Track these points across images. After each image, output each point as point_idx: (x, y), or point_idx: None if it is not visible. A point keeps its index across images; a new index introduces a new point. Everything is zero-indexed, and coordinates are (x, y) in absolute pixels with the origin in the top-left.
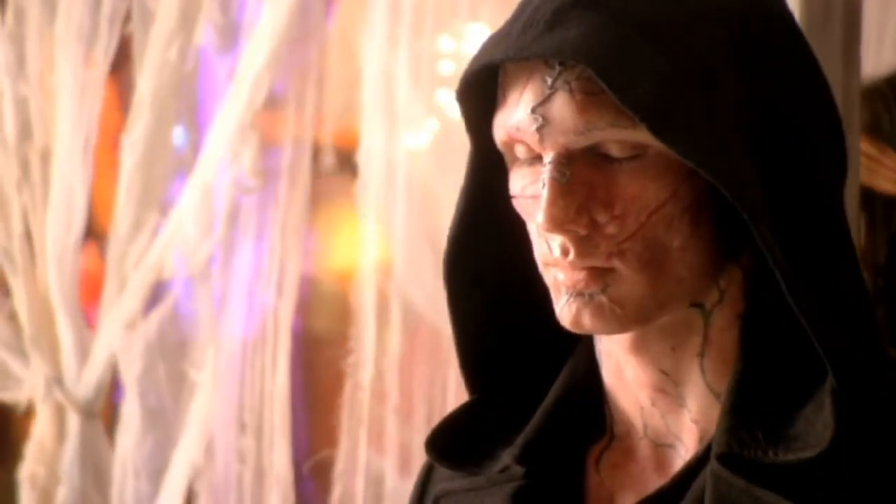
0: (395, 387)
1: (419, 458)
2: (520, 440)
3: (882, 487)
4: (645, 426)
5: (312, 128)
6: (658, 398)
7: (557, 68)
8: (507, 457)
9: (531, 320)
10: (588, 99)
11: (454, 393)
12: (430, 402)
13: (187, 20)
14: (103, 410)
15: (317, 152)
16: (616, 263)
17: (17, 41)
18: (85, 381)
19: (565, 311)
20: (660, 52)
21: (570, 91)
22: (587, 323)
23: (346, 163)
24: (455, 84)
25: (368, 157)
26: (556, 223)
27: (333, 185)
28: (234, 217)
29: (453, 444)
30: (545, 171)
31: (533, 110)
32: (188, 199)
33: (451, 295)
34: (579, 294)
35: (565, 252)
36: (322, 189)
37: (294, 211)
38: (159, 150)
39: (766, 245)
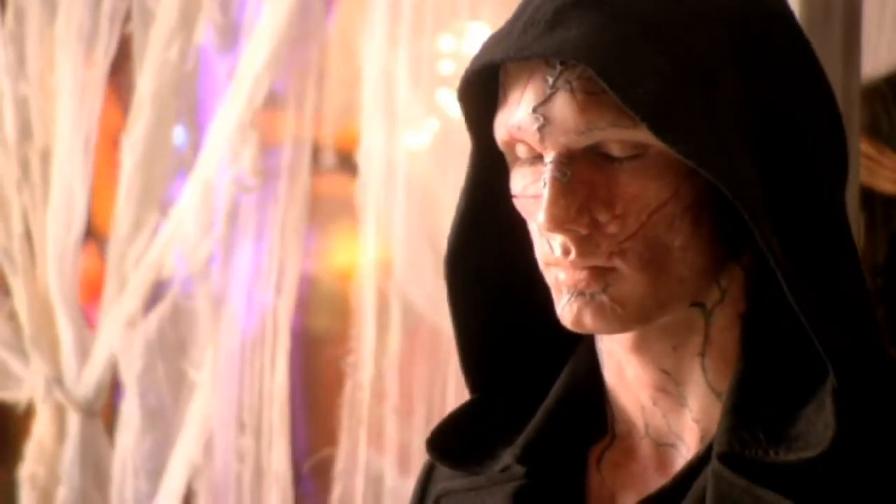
0: (394, 386)
1: (419, 457)
2: (521, 440)
3: (883, 487)
4: (646, 426)
5: (312, 127)
6: (659, 398)
7: (558, 68)
8: (507, 456)
9: (532, 320)
10: (589, 98)
11: (454, 392)
12: (430, 401)
13: (187, 20)
14: (103, 410)
15: (317, 152)
16: (617, 263)
17: (18, 41)
18: (85, 381)
19: (566, 310)
20: (660, 51)
21: (572, 91)
22: (588, 322)
23: (346, 162)
24: (455, 83)
25: (368, 157)
26: (558, 223)
27: (333, 184)
28: (233, 216)
29: (454, 443)
30: (546, 171)
31: (534, 110)
32: (188, 198)
33: (452, 294)
34: (580, 293)
35: (566, 252)
36: (322, 188)
37: (294, 210)
38: (159, 150)
39: (767, 245)
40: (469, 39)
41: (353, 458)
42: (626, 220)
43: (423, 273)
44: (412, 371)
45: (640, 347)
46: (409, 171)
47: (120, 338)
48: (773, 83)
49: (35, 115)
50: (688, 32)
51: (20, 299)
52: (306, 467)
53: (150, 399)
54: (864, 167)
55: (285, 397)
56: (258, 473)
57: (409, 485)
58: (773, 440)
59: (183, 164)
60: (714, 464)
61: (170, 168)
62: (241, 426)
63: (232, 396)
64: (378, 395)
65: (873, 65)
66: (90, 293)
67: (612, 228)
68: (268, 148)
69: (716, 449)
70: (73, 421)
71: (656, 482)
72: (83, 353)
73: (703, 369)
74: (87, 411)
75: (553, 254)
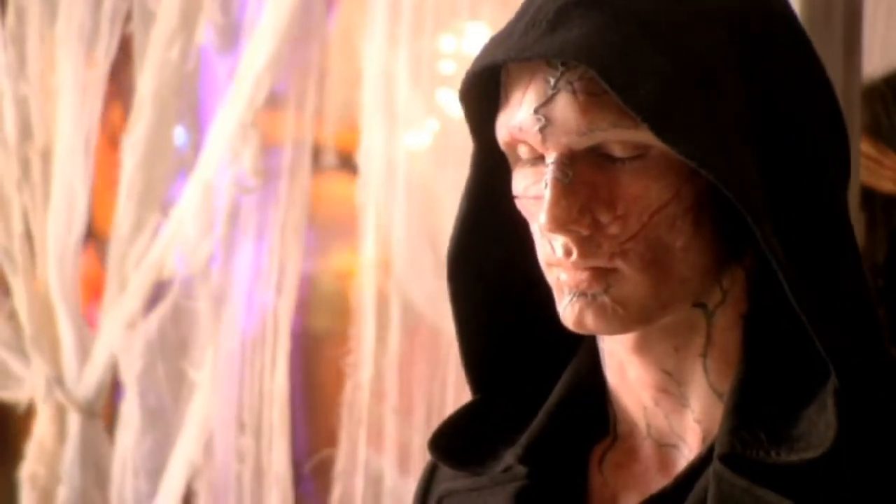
0: (394, 386)
1: (418, 457)
2: (523, 440)
3: (884, 488)
4: (648, 426)
5: (313, 127)
6: (661, 398)
7: (560, 69)
8: (509, 456)
9: (534, 320)
10: (591, 99)
11: (453, 392)
12: (430, 401)
13: (188, 20)
14: (103, 410)
15: (317, 152)
16: (619, 264)
17: (18, 41)
18: (85, 381)
19: (568, 311)
20: (661, 51)
21: (573, 91)
22: (590, 323)
23: (346, 162)
24: (455, 83)
25: (368, 157)
26: (559, 224)
27: (333, 183)
28: (234, 216)
29: (456, 443)
30: (548, 172)
31: (535, 111)
32: (189, 198)
33: (454, 294)
34: (582, 294)
35: (568, 252)
36: (322, 188)
37: (294, 210)
38: (160, 150)
39: (768, 245)
40: (469, 39)
41: (353, 457)
42: (627, 220)
43: (423, 273)
44: (412, 371)
45: (642, 348)
46: (409, 171)
47: (120, 338)
48: (774, 83)
49: (35, 114)
50: (689, 32)
51: (20, 299)
52: (307, 468)
53: (150, 399)
54: (865, 167)
55: (285, 397)
56: (258, 473)
57: (409, 484)
58: (775, 441)
59: (183, 165)
60: (715, 464)
61: (170, 168)
62: (241, 426)
63: (232, 396)
64: (378, 394)
65: (871, 64)
66: (91, 293)
67: (613, 229)
68: (268, 148)
69: (717, 449)
70: (74, 421)
71: (658, 483)
72: (84, 353)
73: (705, 370)
74: (88, 411)
75: (555, 254)
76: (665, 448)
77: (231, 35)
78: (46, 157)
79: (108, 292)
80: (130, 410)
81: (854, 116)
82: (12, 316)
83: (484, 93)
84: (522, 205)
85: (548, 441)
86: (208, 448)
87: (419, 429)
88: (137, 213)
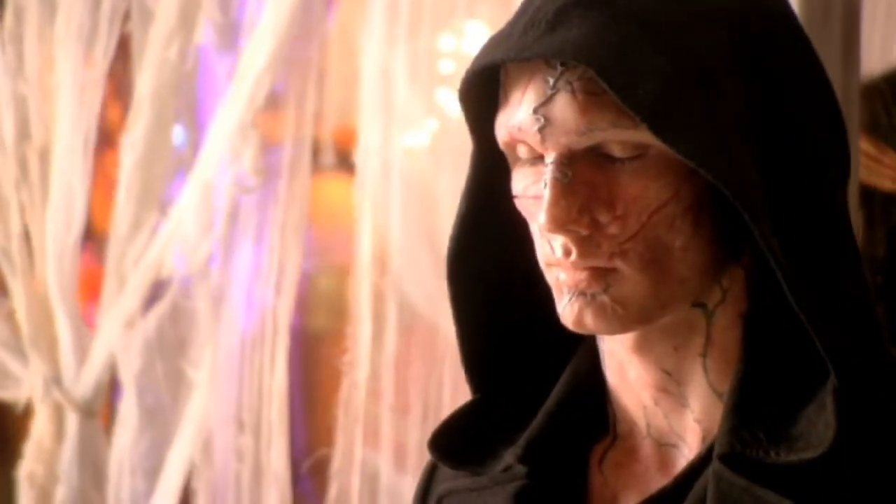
0: (390, 385)
1: (415, 455)
2: (522, 439)
3: (883, 488)
4: (648, 426)
5: (312, 126)
6: (661, 398)
7: (559, 68)
8: (509, 456)
9: (534, 320)
10: (590, 99)
11: (450, 391)
12: (426, 399)
13: (187, 19)
14: (102, 409)
15: (316, 151)
16: (618, 263)
17: (17, 40)
18: (84, 381)
19: (567, 310)
20: (660, 52)
21: (572, 91)
22: (589, 323)
23: (345, 161)
24: (453, 82)
25: (366, 155)
26: (558, 223)
27: (332, 182)
28: (233, 216)
29: (456, 443)
30: (547, 172)
31: (535, 111)
32: (188, 197)
33: (454, 294)
34: (581, 294)
35: (567, 252)
36: (320, 187)
37: (294, 210)
38: (159, 149)
39: (767, 245)
40: (467, 38)
41: (349, 456)
42: (626, 220)
43: (420, 271)
44: (408, 369)
45: (642, 348)
46: (407, 170)
47: (119, 337)
48: (774, 83)
49: (34, 114)
50: (688, 32)
51: (19, 299)
52: (304, 467)
53: (148, 398)
54: (864, 165)
55: (284, 396)
56: (257, 472)
57: (405, 482)
58: (774, 440)
59: (182, 164)
60: (715, 464)
61: (169, 167)
62: (240, 425)
63: (231, 395)
64: (374, 393)
65: (869, 62)
66: (89, 293)
67: (612, 229)
68: (268, 147)
69: (717, 449)
70: (72, 420)
71: (658, 482)
72: (82, 352)
73: (705, 369)
74: (86, 411)
75: (554, 254)
76: (665, 447)
77: (230, 34)
78: (45, 156)
79: (106, 291)
80: (128, 409)
81: (853, 115)
82: (10, 315)
83: (483, 92)
84: (522, 205)
85: (548, 441)
86: (207, 447)
87: (415, 427)
88: (136, 212)
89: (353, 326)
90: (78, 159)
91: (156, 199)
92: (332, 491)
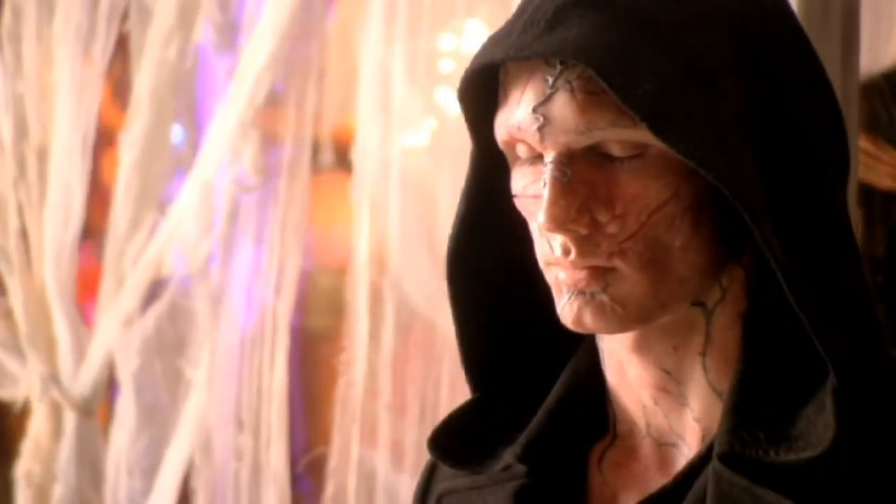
0: (387, 383)
1: (412, 453)
2: (522, 439)
3: (883, 487)
4: (648, 425)
5: (312, 125)
6: (660, 397)
7: (558, 68)
8: (509, 455)
9: (533, 319)
10: (589, 98)
11: (447, 390)
12: (423, 398)
13: (186, 18)
14: (100, 408)
15: (316, 150)
16: (617, 263)
17: (15, 39)
18: (81, 380)
19: (567, 310)
20: (660, 51)
21: (571, 90)
22: (588, 322)
23: (343, 159)
24: (452, 82)
25: (364, 154)
26: (558, 223)
27: (330, 181)
28: (233, 215)
29: (456, 442)
30: (546, 171)
31: (534, 110)
32: (188, 197)
33: (454, 294)
34: (580, 293)
35: (566, 251)
36: (319, 186)
37: (294, 209)
38: (158, 149)
39: (767, 245)
40: (465, 37)
41: (346, 455)
42: (626, 220)
43: (418, 270)
44: (406, 368)
45: (642, 347)
46: (405, 169)
47: (117, 336)
48: (774, 83)
49: (32, 113)
50: (688, 32)
51: (17, 297)
52: (301, 466)
53: (146, 397)
54: (863, 163)
55: (284, 395)
56: (256, 471)
57: (402, 481)
58: (774, 440)
59: (181, 163)
60: (714, 463)
61: (168, 167)
62: (239, 424)
63: (230, 395)
64: (371, 392)
65: (869, 61)
66: (87, 291)
67: (612, 228)
68: (268, 146)
69: (716, 449)
70: (70, 419)
71: (657, 481)
72: (80, 351)
73: (705, 369)
74: (84, 410)
75: (553, 253)
76: (664, 447)
77: (229, 33)
78: (43, 155)
79: (104, 290)
80: (126, 408)
81: (852, 114)
82: (8, 314)
83: (482, 92)
84: (521, 204)
85: (547, 440)
86: (206, 446)
87: (413, 426)
88: (134, 211)
89: (350, 325)
90: (76, 158)
91: (154, 199)
92: (329, 489)
